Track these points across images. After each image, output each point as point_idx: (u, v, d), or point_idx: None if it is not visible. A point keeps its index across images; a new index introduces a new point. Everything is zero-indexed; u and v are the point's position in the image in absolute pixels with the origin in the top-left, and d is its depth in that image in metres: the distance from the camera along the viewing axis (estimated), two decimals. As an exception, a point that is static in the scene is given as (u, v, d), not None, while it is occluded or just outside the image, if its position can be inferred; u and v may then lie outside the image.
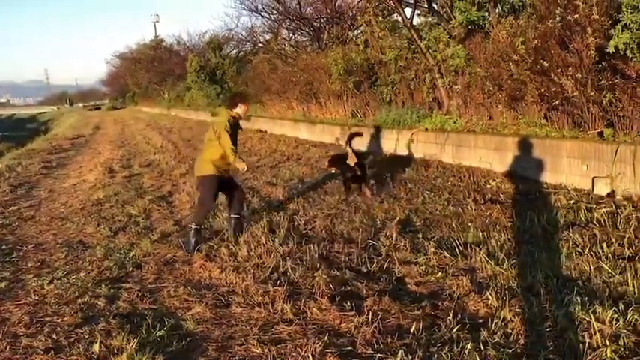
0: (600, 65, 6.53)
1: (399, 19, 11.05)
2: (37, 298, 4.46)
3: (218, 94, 28.30)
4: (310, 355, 3.09)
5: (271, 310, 3.80)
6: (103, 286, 4.56)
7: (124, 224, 6.74)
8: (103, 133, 26.86)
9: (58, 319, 4.00)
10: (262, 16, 21.70)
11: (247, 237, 5.49)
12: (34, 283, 4.79)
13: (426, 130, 9.40)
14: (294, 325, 3.54)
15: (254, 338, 3.40)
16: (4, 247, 6.11)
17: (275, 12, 20.83)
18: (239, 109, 5.67)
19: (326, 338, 3.29)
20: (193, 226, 5.49)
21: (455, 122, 9.07)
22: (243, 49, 28.90)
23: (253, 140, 15.10)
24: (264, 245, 5.18)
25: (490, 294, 3.62)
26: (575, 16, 6.57)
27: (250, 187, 8.34)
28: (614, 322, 3.13)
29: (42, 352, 3.45)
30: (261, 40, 24.31)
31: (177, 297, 4.25)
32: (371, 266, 4.50)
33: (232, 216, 5.71)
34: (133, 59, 49.56)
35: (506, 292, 3.66)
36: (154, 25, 54.72)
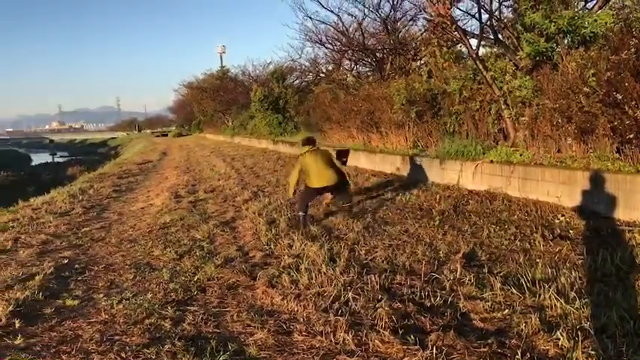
0: (679, 98, 6.26)
1: (464, 49, 10.99)
2: (107, 317, 4.62)
3: (280, 123, 28.87)
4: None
5: (333, 339, 3.79)
6: (169, 308, 4.69)
7: (189, 248, 6.93)
8: (169, 158, 27.85)
9: (126, 338, 4.13)
10: (326, 47, 22.13)
11: (308, 265, 5.52)
12: (104, 303, 4.97)
13: (491, 161, 9.22)
14: (356, 357, 3.51)
15: (316, 367, 3.39)
16: (77, 266, 6.40)
17: (339, 43, 21.18)
18: None
19: (389, 371, 3.24)
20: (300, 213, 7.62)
21: (521, 154, 8.86)
22: (306, 79, 29.53)
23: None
24: (324, 274, 5.18)
25: (561, 334, 3.48)
26: (652, 47, 6.35)
27: (310, 215, 8.41)
28: (699, 371, 2.94)
29: (111, 370, 3.57)
30: (324, 70, 24.75)
31: (240, 322, 4.31)
32: (434, 300, 4.41)
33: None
34: (200, 88, 51.47)
35: (579, 332, 3.50)
36: (220, 56, 56.85)
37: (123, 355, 3.81)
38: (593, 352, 3.26)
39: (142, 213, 10.18)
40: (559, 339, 3.44)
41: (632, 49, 6.65)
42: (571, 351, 3.28)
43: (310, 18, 22.37)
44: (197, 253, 6.59)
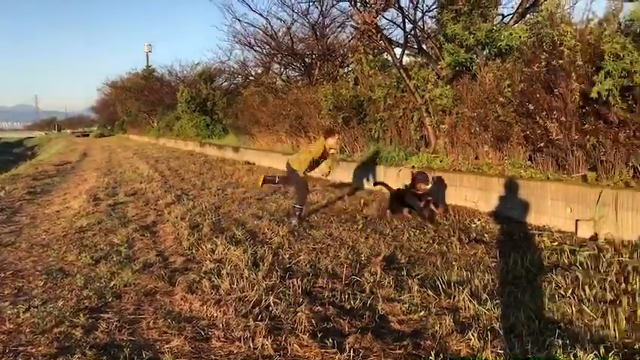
0: (584, 110, 6.68)
1: (389, 58, 11.24)
2: (11, 326, 4.35)
3: (208, 125, 28.39)
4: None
5: (251, 345, 3.74)
6: (81, 315, 4.47)
7: (105, 253, 6.66)
8: (89, 160, 26.71)
9: (32, 348, 3.90)
10: (255, 50, 21.99)
11: (230, 270, 5.44)
12: (9, 311, 4.68)
13: (413, 167, 9.47)
14: (274, 362, 3.49)
15: (233, 374, 3.34)
16: (-19, 272, 5.99)
17: (268, 47, 21.11)
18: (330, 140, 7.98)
19: (306, 375, 3.24)
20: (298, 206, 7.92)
21: (441, 161, 9.16)
22: (235, 82, 29.17)
23: (241, 172, 15.09)
24: (246, 279, 5.13)
25: (472, 334, 3.60)
26: (561, 61, 6.74)
27: (235, 219, 8.31)
28: (595, 366, 3.13)
29: (14, 383, 3.36)
30: (253, 74, 24.57)
31: (156, 329, 4.18)
32: (354, 303, 4.46)
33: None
34: (124, 88, 49.68)
35: (489, 332, 3.65)
36: (147, 55, 55.17)
37: (27, 366, 3.60)
38: (501, 351, 3.40)
39: (57, 216, 9.69)
40: (470, 339, 3.57)
41: (543, 63, 7.03)
42: (481, 351, 3.41)
43: (239, 20, 22.17)
44: (114, 258, 6.34)
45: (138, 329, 4.22)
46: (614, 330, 3.60)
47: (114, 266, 6.00)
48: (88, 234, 7.86)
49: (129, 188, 13.07)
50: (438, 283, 4.69)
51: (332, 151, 8.00)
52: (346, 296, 4.60)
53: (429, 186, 7.59)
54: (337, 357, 3.45)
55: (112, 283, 5.36)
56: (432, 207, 7.68)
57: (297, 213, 7.93)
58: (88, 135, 77.28)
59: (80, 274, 5.75)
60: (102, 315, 4.53)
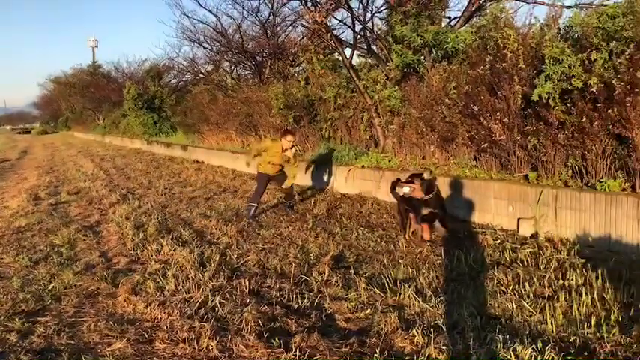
0: (526, 112, 6.90)
1: (340, 58, 11.29)
2: (-59, 332, 4.13)
3: (155, 123, 27.78)
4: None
5: (196, 346, 3.68)
6: (17, 319, 4.29)
7: (45, 254, 6.42)
8: (31, 157, 25.70)
9: (-37, 355, 3.72)
10: (204, 47, 21.69)
11: (176, 271, 5.34)
12: (-62, 317, 4.44)
13: (363, 167, 9.56)
14: (220, 363, 3.44)
15: (176, 376, 3.28)
16: None
17: (217, 44, 20.84)
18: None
19: (251, 376, 3.21)
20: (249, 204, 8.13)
21: (390, 161, 9.28)
22: (184, 79, 28.67)
23: (189, 171, 14.85)
24: (192, 279, 5.05)
25: (417, 331, 3.66)
26: (504, 64, 6.93)
27: (182, 219, 8.17)
28: (532, 359, 3.23)
29: (-59, 392, 3.19)
30: (202, 71, 24.22)
31: (97, 332, 4.06)
32: (302, 302, 4.47)
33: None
34: (68, 84, 48.03)
35: (433, 329, 3.72)
36: (93, 51, 53.61)
37: (-43, 374, 3.42)
38: (444, 347, 3.47)
39: (-7, 216, 9.27)
40: (415, 336, 3.63)
41: (487, 65, 7.22)
42: (425, 347, 3.47)
43: (187, 16, 21.81)
44: (54, 260, 6.12)
45: (78, 332, 4.08)
46: (552, 324, 3.73)
47: (54, 268, 5.79)
48: (26, 234, 7.56)
49: (72, 187, 12.65)
50: (385, 281, 4.75)
51: (287, 153, 8.09)
52: (294, 295, 4.60)
53: (415, 191, 6.08)
54: (283, 356, 3.44)
55: (52, 285, 5.17)
56: (430, 224, 6.29)
57: (249, 210, 8.01)
58: (29, 132, 74.39)
59: (17, 276, 5.53)
60: (39, 318, 4.37)
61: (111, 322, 4.19)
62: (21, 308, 4.61)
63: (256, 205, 8.16)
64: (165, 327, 4.06)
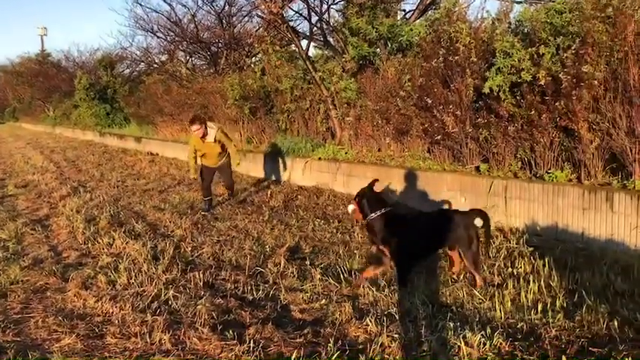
0: (478, 104, 7.05)
1: (296, 49, 11.26)
2: None
3: (108, 114, 27.06)
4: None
5: (149, 340, 3.62)
6: (-41, 318, 4.12)
7: (-10, 249, 6.18)
8: (-25, 149, 24.65)
9: None
10: (158, 37, 21.24)
11: (128, 264, 5.24)
12: None
13: (319, 159, 9.59)
14: (172, 357, 3.40)
15: (127, 371, 3.22)
16: None
17: (172, 33, 20.45)
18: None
19: (205, 369, 3.19)
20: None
21: (346, 153, 9.33)
22: (137, 69, 28.03)
23: (143, 163, 14.54)
24: (145, 273, 4.96)
25: (370, 320, 3.70)
26: (457, 57, 7.05)
27: (135, 212, 8.01)
28: (481, 345, 3.32)
29: None
30: (157, 61, 23.73)
31: (45, 328, 3.93)
32: (257, 294, 4.45)
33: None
34: (15, 72, 46.22)
35: (386, 318, 3.77)
36: (41, 39, 51.73)
37: None
38: (396, 335, 3.52)
39: None
40: (368, 325, 3.67)
41: (441, 58, 7.33)
42: (378, 335, 3.52)
43: (140, 5, 21.30)
44: (0, 255, 5.89)
45: (25, 329, 3.95)
46: (500, 311, 3.83)
47: (-1, 263, 5.59)
48: (-31, 230, 7.25)
49: (20, 180, 12.20)
50: (340, 271, 4.78)
51: (208, 140, 7.90)
52: (249, 287, 4.58)
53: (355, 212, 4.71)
54: (237, 349, 3.42)
55: (-3, 282, 4.98)
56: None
57: (204, 204, 8.12)
58: (-27, 123, 71.22)
59: (-41, 273, 5.29)
60: (-17, 316, 4.20)
61: (60, 318, 4.07)
62: (-37, 305, 4.43)
63: (209, 197, 8.13)
64: (116, 321, 3.98)
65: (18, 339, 3.78)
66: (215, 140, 7.91)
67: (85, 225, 7.01)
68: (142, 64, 25.74)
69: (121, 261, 5.38)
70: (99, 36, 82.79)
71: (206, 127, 7.85)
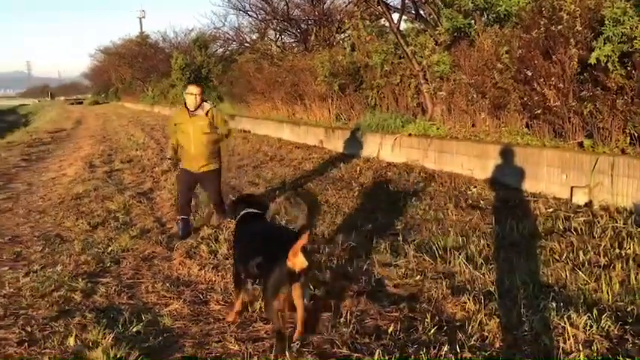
0: (582, 76, 6.63)
1: (386, 24, 11.09)
2: (12, 290, 4.39)
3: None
4: (287, 354, 3.09)
5: (250, 308, 3.79)
6: (80, 280, 4.49)
7: (102, 219, 6.67)
8: (84, 127, 26.54)
9: (32, 312, 3.94)
10: (249, 15, 21.66)
11: (227, 235, 5.46)
12: (9, 276, 4.71)
13: (410, 135, 9.45)
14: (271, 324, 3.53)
15: (231, 336, 3.40)
16: (-22, 238, 6.00)
17: (263, 12, 20.79)
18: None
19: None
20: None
21: (438, 128, 9.13)
22: (230, 48, 28.77)
23: (237, 140, 15.02)
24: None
25: (467, 297, 3.65)
26: (560, 27, 6.66)
27: (232, 186, 8.31)
28: (587, 328, 3.18)
29: (15, 345, 3.40)
30: (248, 40, 24.25)
31: (155, 293, 4.22)
32: (351, 268, 4.51)
33: None
34: (117, 54, 49.02)
35: (484, 296, 3.70)
36: (140, 21, 54.40)
37: (28, 328, 3.64)
38: (495, 315, 3.45)
39: (53, 183, 9.68)
40: (466, 302, 3.62)
41: (542, 29, 6.95)
42: (476, 313, 3.46)
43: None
44: (111, 224, 6.36)
45: (137, 293, 4.26)
46: (608, 293, 3.64)
47: (111, 232, 6.03)
48: (84, 200, 7.86)
49: (124, 155, 13.02)
50: (434, 248, 4.73)
51: (201, 121, 5.78)
52: (342, 261, 4.65)
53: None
54: (334, 320, 3.49)
55: (110, 249, 5.39)
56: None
57: (178, 226, 5.96)
58: (81, 102, 76.40)
59: (78, 239, 5.77)
60: (100, 279, 4.57)
61: (167, 284, 4.35)
62: (83, 270, 4.82)
63: (185, 217, 5.91)
64: (219, 289, 4.19)
65: (132, 302, 4.09)
66: (206, 115, 5.80)
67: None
68: (234, 43, 26.39)
69: (220, 232, 5.64)
70: (193, 17, 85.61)
71: (202, 100, 5.84)
